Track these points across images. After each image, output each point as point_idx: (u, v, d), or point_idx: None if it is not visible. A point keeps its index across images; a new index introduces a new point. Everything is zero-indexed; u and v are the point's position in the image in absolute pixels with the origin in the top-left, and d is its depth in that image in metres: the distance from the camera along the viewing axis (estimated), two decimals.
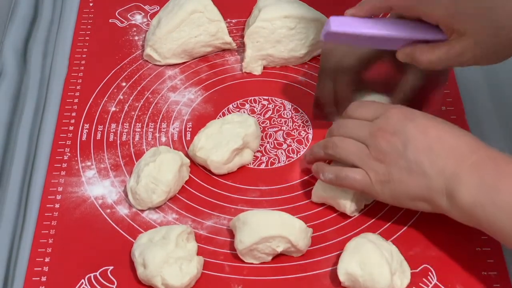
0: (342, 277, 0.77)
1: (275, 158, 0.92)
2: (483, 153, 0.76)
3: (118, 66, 1.02)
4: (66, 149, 0.92)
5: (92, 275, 0.81)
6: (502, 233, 0.73)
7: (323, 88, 0.90)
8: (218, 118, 0.95)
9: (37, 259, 0.82)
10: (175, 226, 0.82)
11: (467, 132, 0.79)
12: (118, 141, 0.94)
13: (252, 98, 0.98)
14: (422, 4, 0.80)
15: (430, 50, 0.81)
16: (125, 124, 0.95)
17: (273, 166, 0.91)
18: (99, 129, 0.95)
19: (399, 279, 0.78)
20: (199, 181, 0.89)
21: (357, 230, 0.84)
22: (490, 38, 0.78)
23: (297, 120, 0.96)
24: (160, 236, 0.80)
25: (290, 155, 0.92)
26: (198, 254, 0.81)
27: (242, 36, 1.03)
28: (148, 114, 0.97)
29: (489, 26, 0.77)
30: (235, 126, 0.89)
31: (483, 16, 0.77)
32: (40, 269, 0.81)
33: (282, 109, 0.97)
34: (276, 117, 0.96)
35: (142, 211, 0.86)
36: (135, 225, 0.85)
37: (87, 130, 0.95)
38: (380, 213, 0.85)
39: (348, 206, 0.84)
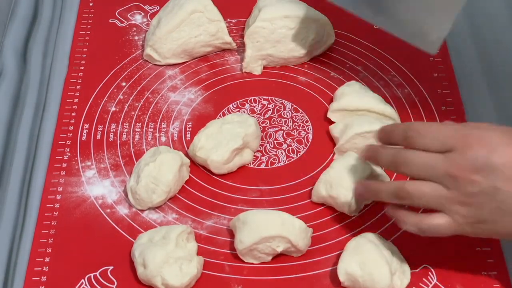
0: (342, 277, 0.77)
1: (275, 158, 0.92)
2: None
3: (118, 66, 1.02)
4: (66, 149, 0.92)
5: (92, 275, 0.81)
6: None
7: None
8: (218, 118, 0.95)
9: (37, 259, 0.82)
10: (175, 226, 0.82)
11: None
12: (118, 141, 0.94)
13: (252, 98, 0.98)
14: None
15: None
16: (125, 124, 0.95)
17: (273, 166, 0.91)
18: (99, 129, 0.95)
19: (399, 279, 0.78)
20: (199, 181, 0.89)
21: (357, 230, 0.84)
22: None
23: (297, 120, 0.96)
24: (160, 236, 0.80)
25: (290, 155, 0.92)
26: (198, 254, 0.81)
27: (242, 36, 1.03)
28: (148, 114, 0.97)
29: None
30: (235, 126, 0.89)
31: None
32: (40, 269, 0.81)
33: (282, 109, 0.97)
34: (276, 117, 0.96)
35: (142, 211, 0.86)
36: (135, 225, 0.85)
37: (87, 130, 0.95)
38: (380, 213, 0.85)
39: (347, 206, 0.84)
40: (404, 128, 0.75)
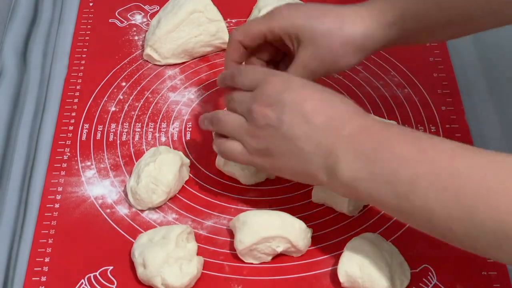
0: (342, 278, 0.77)
1: None
2: (356, 123, 0.73)
3: (118, 66, 1.02)
4: (66, 149, 0.92)
5: (92, 275, 0.81)
6: (382, 203, 0.71)
7: None
8: None
9: (37, 259, 0.82)
10: (175, 226, 0.82)
11: (346, 99, 0.77)
12: (118, 141, 0.94)
13: None
14: (271, 20, 0.84)
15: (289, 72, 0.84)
16: (125, 124, 0.95)
17: None
18: (99, 129, 0.95)
19: (399, 280, 0.78)
20: (199, 181, 0.89)
21: (357, 230, 0.84)
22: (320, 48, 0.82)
23: None
24: (160, 236, 0.80)
25: None
26: (198, 254, 0.81)
27: None
28: (148, 114, 0.97)
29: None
30: None
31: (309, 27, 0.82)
32: (40, 269, 0.81)
33: None
34: None
35: (142, 211, 0.86)
36: (135, 225, 0.85)
37: (87, 130, 0.95)
38: (380, 213, 0.85)
39: (346, 206, 0.83)
40: (231, 71, 0.83)
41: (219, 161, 0.88)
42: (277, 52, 0.88)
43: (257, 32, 0.85)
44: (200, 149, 0.93)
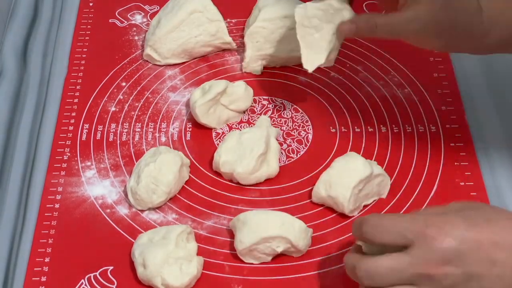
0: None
1: None
2: None
3: (118, 66, 1.02)
4: (66, 149, 0.92)
5: (92, 275, 0.81)
6: None
7: None
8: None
9: (37, 259, 0.82)
10: (175, 226, 0.82)
11: (497, 212, 0.70)
12: (118, 141, 0.94)
13: (252, 98, 0.97)
14: None
15: (382, 16, 0.80)
16: (125, 124, 0.95)
17: None
18: (99, 129, 0.95)
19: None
20: (199, 181, 0.89)
21: None
22: (442, 12, 0.77)
23: (297, 120, 0.96)
24: (160, 236, 0.80)
25: (290, 155, 0.92)
26: (198, 254, 0.81)
27: (242, 36, 1.03)
28: (148, 114, 0.97)
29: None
30: (254, 133, 0.89)
31: None
32: (40, 269, 0.81)
33: (282, 109, 0.97)
34: (276, 117, 0.96)
35: (142, 211, 0.86)
36: (135, 225, 0.85)
37: (87, 130, 0.95)
38: (380, 213, 0.85)
39: (346, 205, 0.83)
40: (359, 222, 0.71)
41: (216, 161, 0.88)
42: None
43: None
44: (200, 149, 0.93)
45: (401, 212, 0.86)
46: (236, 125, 0.95)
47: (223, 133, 0.94)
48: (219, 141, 0.93)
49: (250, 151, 0.87)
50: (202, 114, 0.92)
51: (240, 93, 0.94)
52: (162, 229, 0.82)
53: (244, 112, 0.95)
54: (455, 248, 0.66)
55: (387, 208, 0.86)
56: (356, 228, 0.71)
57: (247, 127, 0.94)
